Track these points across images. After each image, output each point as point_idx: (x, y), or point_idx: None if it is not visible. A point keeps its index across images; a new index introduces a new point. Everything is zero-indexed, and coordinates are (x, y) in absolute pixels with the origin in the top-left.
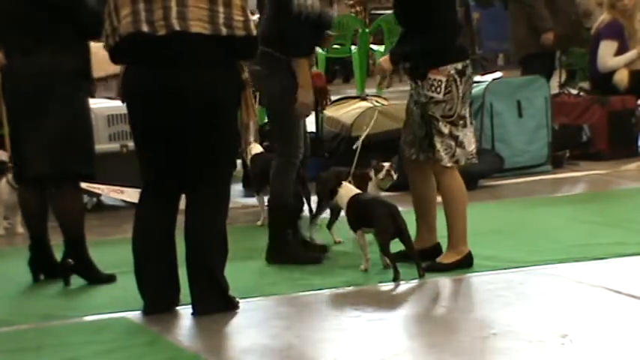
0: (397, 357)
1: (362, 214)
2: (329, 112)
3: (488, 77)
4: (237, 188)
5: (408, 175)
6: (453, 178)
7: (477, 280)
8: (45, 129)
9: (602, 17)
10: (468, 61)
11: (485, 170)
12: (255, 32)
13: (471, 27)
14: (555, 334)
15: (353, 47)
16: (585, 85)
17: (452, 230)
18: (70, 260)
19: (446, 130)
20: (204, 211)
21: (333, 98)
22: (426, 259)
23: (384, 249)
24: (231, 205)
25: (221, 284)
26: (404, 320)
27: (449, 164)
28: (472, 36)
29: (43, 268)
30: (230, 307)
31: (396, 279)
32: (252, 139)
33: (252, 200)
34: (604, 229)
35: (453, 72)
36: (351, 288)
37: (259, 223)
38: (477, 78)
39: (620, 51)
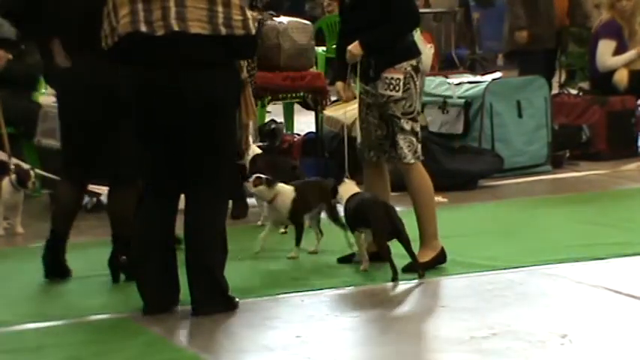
0: (396, 357)
1: (359, 215)
2: (329, 112)
3: (488, 77)
4: None
5: (364, 177)
6: (421, 175)
7: (477, 280)
8: (113, 136)
9: (602, 17)
10: (420, 57)
11: (485, 170)
12: (254, 31)
13: (470, 27)
14: (555, 334)
15: None
16: (585, 85)
17: (424, 228)
18: (124, 257)
19: (408, 126)
20: (204, 211)
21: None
22: (378, 260)
23: (382, 250)
24: (230, 205)
25: (221, 284)
26: (404, 320)
27: (412, 161)
28: (472, 36)
29: (51, 266)
30: (230, 307)
31: (395, 279)
32: (251, 139)
33: (252, 200)
34: (604, 229)
35: (409, 69)
36: (351, 288)
37: (259, 223)
38: (476, 78)
39: (619, 51)
